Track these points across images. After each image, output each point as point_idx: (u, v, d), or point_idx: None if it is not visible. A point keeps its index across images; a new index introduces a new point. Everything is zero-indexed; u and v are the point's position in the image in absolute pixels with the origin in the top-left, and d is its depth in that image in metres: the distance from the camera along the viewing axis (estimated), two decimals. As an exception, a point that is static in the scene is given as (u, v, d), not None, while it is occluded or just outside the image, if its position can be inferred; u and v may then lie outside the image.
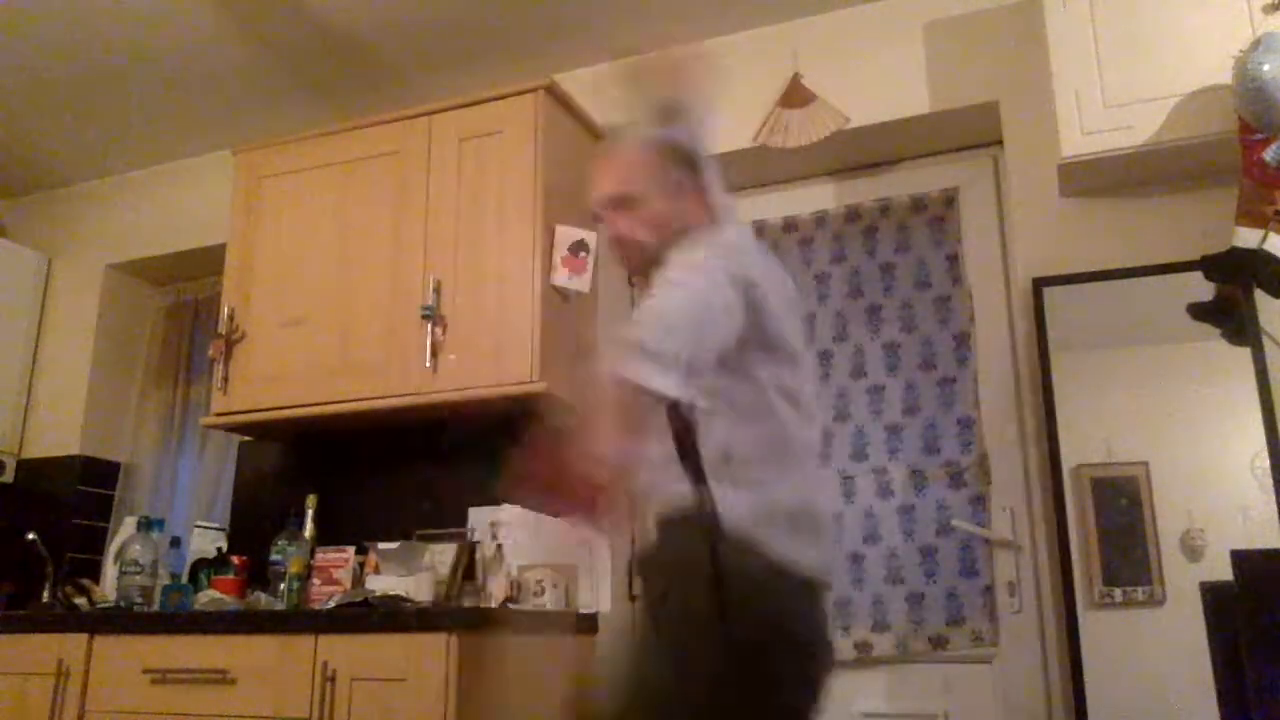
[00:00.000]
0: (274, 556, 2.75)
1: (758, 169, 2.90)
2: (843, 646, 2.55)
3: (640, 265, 1.68)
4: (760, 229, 2.94)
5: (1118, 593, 2.16)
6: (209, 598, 2.65)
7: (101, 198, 3.78)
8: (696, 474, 1.51)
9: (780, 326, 1.55)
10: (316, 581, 2.69)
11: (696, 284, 1.46)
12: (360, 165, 2.89)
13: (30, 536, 3.17)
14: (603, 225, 1.73)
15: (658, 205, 1.64)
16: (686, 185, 1.66)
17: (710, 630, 1.42)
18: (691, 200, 1.66)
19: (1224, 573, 1.81)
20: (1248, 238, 1.97)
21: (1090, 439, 2.24)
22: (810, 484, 1.58)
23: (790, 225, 2.91)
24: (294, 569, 2.67)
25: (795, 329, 1.61)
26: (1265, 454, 2.02)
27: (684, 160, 1.68)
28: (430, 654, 2.08)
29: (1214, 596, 1.98)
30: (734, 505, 1.48)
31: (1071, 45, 2.23)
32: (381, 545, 2.62)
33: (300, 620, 2.31)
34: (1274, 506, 1.98)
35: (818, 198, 2.91)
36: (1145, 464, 2.20)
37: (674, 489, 1.53)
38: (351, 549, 2.72)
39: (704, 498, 1.49)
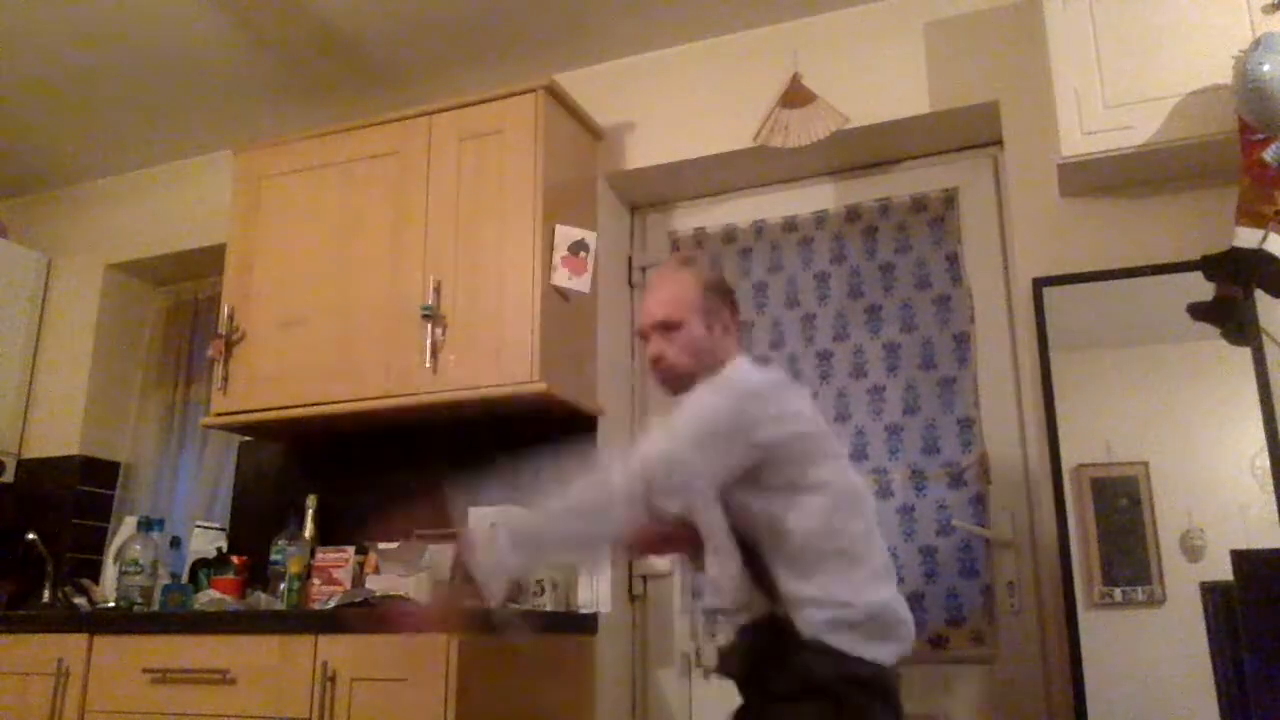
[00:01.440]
0: (274, 556, 2.76)
1: (758, 169, 2.90)
2: (843, 646, 2.55)
3: (675, 386, 1.85)
4: (760, 229, 2.94)
5: (1118, 593, 2.16)
6: (209, 598, 2.65)
7: (101, 198, 3.78)
8: (770, 590, 1.69)
9: (823, 451, 1.74)
10: (316, 581, 2.69)
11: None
12: (360, 165, 2.89)
13: (30, 536, 3.18)
14: (644, 344, 1.91)
15: (698, 334, 1.82)
16: (726, 323, 1.86)
17: None
18: (728, 332, 1.86)
19: (1224, 573, 1.81)
20: (1248, 238, 1.97)
21: (1090, 439, 2.24)
22: (879, 585, 1.71)
23: (790, 225, 2.92)
24: (294, 569, 2.67)
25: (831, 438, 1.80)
26: (1265, 454, 2.02)
27: (726, 297, 1.89)
28: (430, 654, 2.08)
29: (1214, 596, 1.99)
30: (809, 616, 1.64)
31: (1071, 45, 2.23)
32: (381, 545, 2.62)
33: (300, 620, 2.31)
34: (1274, 506, 1.98)
35: (818, 198, 2.91)
36: (1145, 464, 2.20)
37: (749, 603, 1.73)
38: (351, 549, 2.72)
39: (778, 610, 1.68)
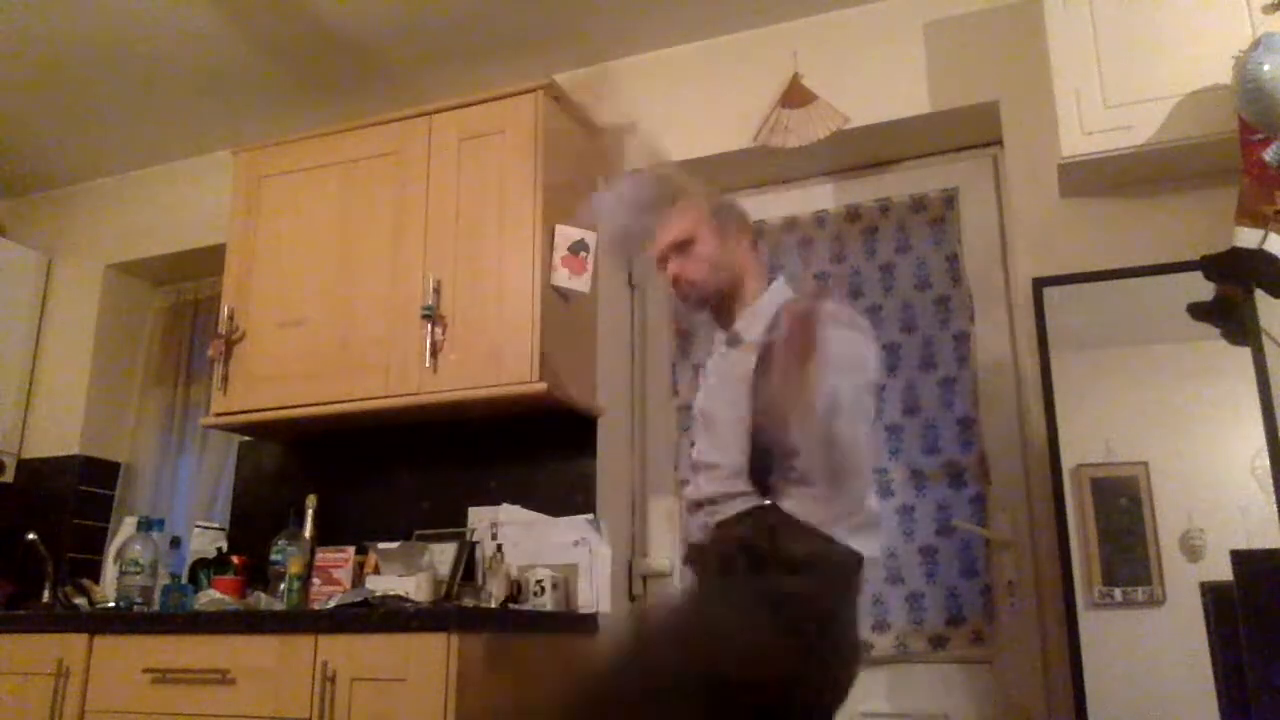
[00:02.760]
0: (274, 556, 2.76)
1: (758, 169, 2.90)
2: (843, 646, 2.55)
3: (696, 302, 1.91)
4: (760, 229, 2.94)
5: (1118, 593, 2.16)
6: (209, 598, 2.65)
7: (101, 198, 3.78)
8: (765, 488, 1.70)
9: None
10: (316, 581, 2.69)
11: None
12: (360, 165, 2.89)
13: (30, 536, 3.17)
14: (662, 270, 1.93)
15: (711, 248, 1.87)
16: (736, 232, 1.90)
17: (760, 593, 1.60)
18: (740, 247, 1.90)
19: (1224, 573, 1.81)
20: (1248, 238, 1.97)
21: (1090, 439, 2.24)
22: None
23: (790, 225, 2.92)
24: (294, 569, 2.67)
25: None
26: (1265, 454, 2.02)
27: (735, 215, 1.94)
28: (430, 654, 2.08)
29: (1214, 596, 1.98)
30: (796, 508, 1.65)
31: (1071, 45, 2.23)
32: (381, 545, 2.62)
33: (300, 620, 2.31)
34: (1274, 506, 1.97)
35: (818, 198, 2.91)
36: (1145, 464, 2.20)
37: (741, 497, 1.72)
38: (351, 549, 2.72)
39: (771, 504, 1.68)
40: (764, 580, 1.62)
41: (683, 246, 1.88)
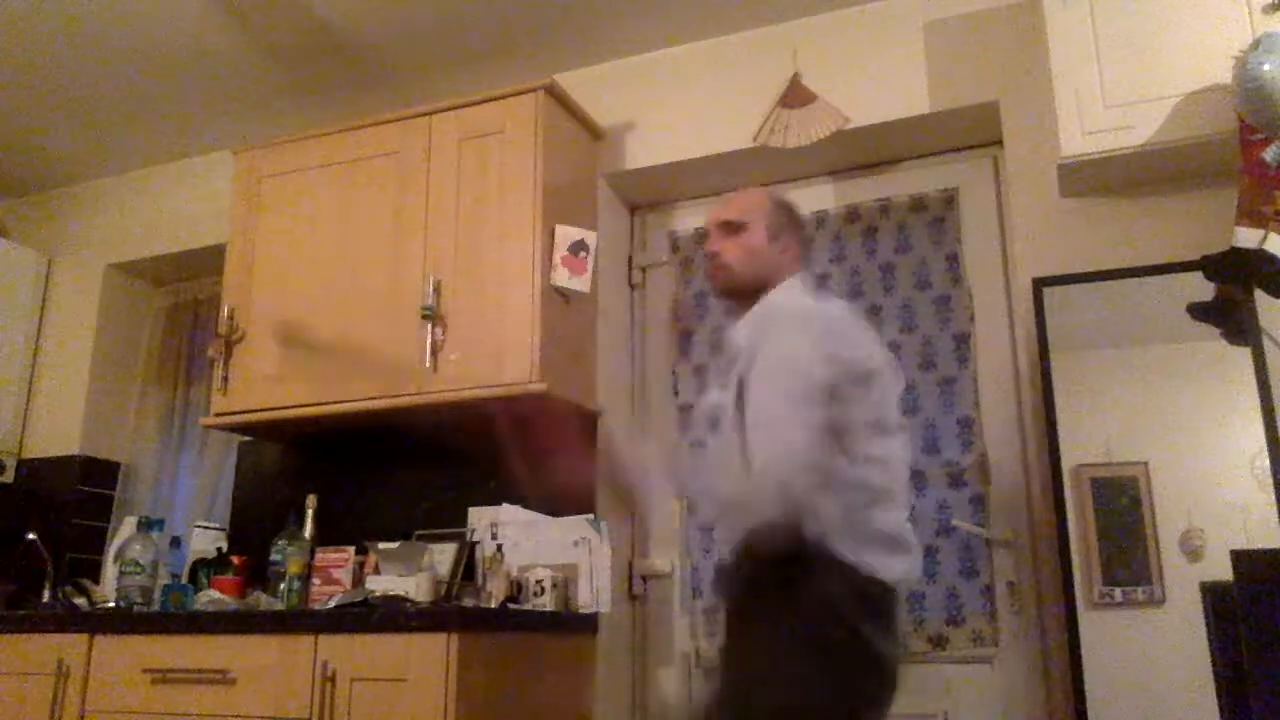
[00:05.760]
0: (274, 556, 2.76)
1: (758, 169, 2.90)
2: (843, 646, 2.55)
3: (726, 287, 1.89)
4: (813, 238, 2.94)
5: (1118, 593, 2.16)
6: (209, 598, 2.65)
7: (101, 198, 3.78)
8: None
9: (879, 407, 1.68)
10: (316, 581, 2.69)
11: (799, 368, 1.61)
12: (360, 165, 2.89)
13: (30, 536, 3.17)
14: (706, 242, 1.93)
15: (759, 241, 1.85)
16: (789, 244, 1.88)
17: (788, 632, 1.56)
18: (786, 253, 1.87)
19: (1224, 573, 1.81)
20: (1248, 238, 1.97)
21: (1090, 439, 2.23)
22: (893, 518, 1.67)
23: (790, 225, 2.91)
24: (294, 569, 2.67)
25: (893, 402, 1.73)
26: (1265, 454, 2.02)
27: (795, 222, 1.93)
28: (430, 654, 2.08)
29: (1214, 596, 1.99)
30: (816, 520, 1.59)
31: (1071, 45, 2.23)
32: (381, 545, 2.62)
33: (300, 620, 2.31)
34: (1274, 506, 1.97)
35: (818, 198, 2.91)
36: (1145, 464, 2.20)
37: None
38: (351, 549, 2.72)
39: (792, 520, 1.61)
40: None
41: (733, 227, 1.86)
